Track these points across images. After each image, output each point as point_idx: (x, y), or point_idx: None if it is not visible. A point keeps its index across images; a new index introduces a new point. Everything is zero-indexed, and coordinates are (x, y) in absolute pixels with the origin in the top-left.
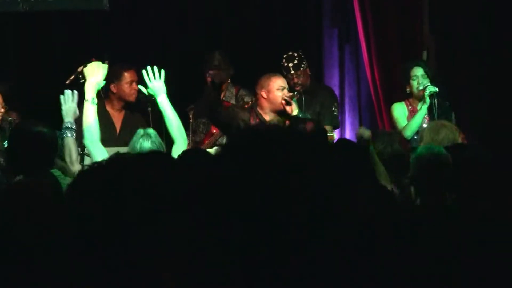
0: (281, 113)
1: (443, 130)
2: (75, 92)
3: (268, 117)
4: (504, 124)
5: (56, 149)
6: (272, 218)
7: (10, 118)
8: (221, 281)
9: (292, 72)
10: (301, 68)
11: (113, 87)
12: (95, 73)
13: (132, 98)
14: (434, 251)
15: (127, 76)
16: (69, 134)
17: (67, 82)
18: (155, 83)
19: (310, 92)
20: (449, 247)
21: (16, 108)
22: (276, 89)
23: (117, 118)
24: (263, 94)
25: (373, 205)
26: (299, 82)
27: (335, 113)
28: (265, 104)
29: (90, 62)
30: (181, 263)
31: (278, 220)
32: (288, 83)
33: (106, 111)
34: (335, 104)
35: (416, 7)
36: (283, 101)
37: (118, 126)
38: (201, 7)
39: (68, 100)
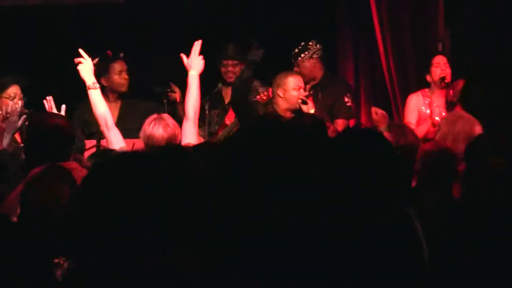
0: (297, 111)
1: (460, 121)
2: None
3: (282, 114)
4: None
5: (73, 142)
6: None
7: (26, 112)
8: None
9: (292, 61)
10: (299, 58)
11: (103, 81)
12: (84, 59)
13: (123, 88)
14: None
15: (116, 66)
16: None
17: None
18: (195, 58)
19: (321, 85)
20: (453, 244)
21: (32, 104)
22: (293, 88)
23: (113, 110)
24: (280, 92)
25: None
26: (301, 71)
27: (348, 104)
28: (281, 102)
29: (106, 55)
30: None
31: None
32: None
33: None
34: (348, 95)
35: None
36: (299, 101)
37: (114, 117)
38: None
39: (83, 58)
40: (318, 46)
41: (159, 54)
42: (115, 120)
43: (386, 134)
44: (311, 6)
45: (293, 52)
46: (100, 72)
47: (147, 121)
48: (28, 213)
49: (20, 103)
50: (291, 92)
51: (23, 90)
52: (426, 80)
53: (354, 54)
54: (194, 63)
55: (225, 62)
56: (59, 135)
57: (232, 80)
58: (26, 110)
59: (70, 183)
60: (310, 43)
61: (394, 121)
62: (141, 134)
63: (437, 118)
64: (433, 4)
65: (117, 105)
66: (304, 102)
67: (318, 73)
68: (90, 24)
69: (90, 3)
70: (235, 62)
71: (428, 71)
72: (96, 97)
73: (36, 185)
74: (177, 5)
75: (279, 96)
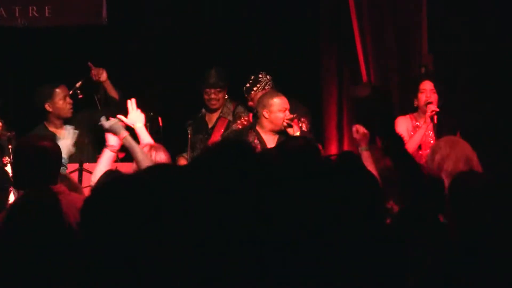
0: (282, 133)
1: (460, 144)
2: (76, 131)
3: (267, 136)
4: (502, 144)
5: (60, 165)
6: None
7: (9, 134)
8: None
9: (246, 95)
10: (252, 92)
11: (47, 106)
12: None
13: (68, 113)
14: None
15: (59, 91)
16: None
17: None
18: (134, 113)
19: None
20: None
21: (14, 124)
22: (278, 110)
23: (58, 133)
24: (265, 113)
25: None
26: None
27: (303, 129)
28: (266, 123)
29: (88, 77)
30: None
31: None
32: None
33: (50, 132)
34: (303, 119)
35: (414, 26)
36: (285, 123)
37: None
38: (198, 23)
39: (67, 136)
40: (268, 77)
41: (141, 77)
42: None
43: (366, 154)
44: (295, 28)
45: (244, 87)
46: (44, 98)
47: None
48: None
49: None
50: (276, 113)
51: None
52: (413, 104)
53: (338, 76)
54: (136, 118)
55: (207, 90)
56: (46, 157)
57: (215, 107)
58: (8, 133)
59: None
60: (260, 75)
61: (376, 144)
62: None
63: (432, 142)
64: (417, 30)
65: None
66: (289, 125)
67: None
68: (73, 45)
69: (72, 24)
70: (218, 89)
71: (415, 96)
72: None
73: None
74: (159, 27)
75: (264, 117)
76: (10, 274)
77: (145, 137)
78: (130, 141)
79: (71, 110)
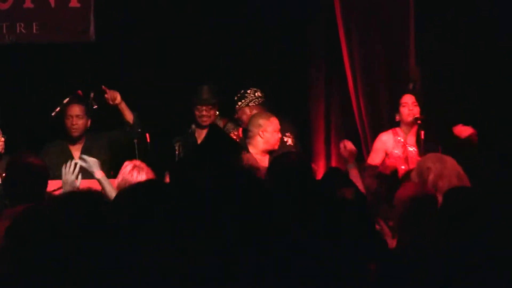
0: (271, 152)
1: (447, 159)
2: (78, 164)
3: (258, 155)
4: (492, 156)
5: (46, 182)
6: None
7: None
8: None
9: (236, 106)
10: (237, 106)
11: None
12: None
13: (73, 133)
14: None
15: (67, 110)
16: None
17: (52, 114)
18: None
19: None
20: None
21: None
22: (274, 130)
23: (75, 149)
24: (261, 133)
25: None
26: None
27: (288, 143)
28: (259, 143)
29: (76, 94)
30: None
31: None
32: None
33: (65, 145)
34: (287, 134)
35: (402, 40)
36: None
37: (76, 156)
38: (187, 40)
39: (68, 171)
40: (257, 94)
41: (129, 94)
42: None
43: (353, 171)
44: (283, 48)
45: (235, 98)
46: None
47: (126, 170)
48: None
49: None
50: (273, 133)
51: None
52: (395, 119)
53: (325, 91)
54: (92, 167)
55: (199, 106)
56: (32, 174)
57: (206, 123)
58: None
59: None
60: (248, 91)
61: (364, 161)
62: (122, 182)
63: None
64: (404, 45)
65: (79, 148)
66: None
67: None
68: (61, 63)
69: (59, 41)
70: (209, 106)
71: (397, 110)
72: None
73: None
74: (148, 43)
75: (260, 136)
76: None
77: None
78: (103, 182)
79: (77, 131)
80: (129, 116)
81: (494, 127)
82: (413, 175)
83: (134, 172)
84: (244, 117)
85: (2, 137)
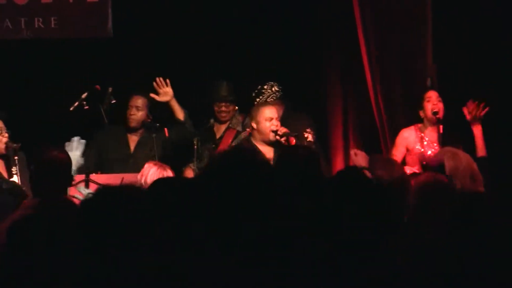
0: (274, 144)
1: (461, 155)
2: (82, 141)
3: (262, 147)
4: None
5: (69, 176)
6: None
7: (14, 145)
8: None
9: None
10: (255, 102)
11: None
12: None
13: (130, 123)
14: None
15: (129, 101)
16: None
17: (71, 109)
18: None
19: (281, 121)
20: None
21: (18, 136)
22: (265, 119)
23: (132, 140)
24: (253, 124)
25: None
26: None
27: (308, 139)
28: (256, 134)
29: (94, 89)
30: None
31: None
32: None
33: (124, 133)
34: (308, 130)
35: (419, 36)
36: (271, 133)
37: (132, 146)
38: (205, 35)
39: (71, 148)
40: (274, 88)
41: (147, 89)
42: (132, 150)
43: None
44: (299, 38)
45: (252, 94)
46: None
47: (149, 171)
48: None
49: (6, 135)
50: (263, 123)
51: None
52: (419, 115)
53: (342, 87)
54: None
55: (218, 102)
56: (57, 167)
57: (225, 119)
58: (14, 144)
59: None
60: (265, 87)
61: (379, 155)
62: (143, 181)
63: (429, 152)
64: (421, 41)
65: (136, 137)
66: (276, 133)
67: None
68: (79, 58)
69: (77, 36)
70: (228, 102)
71: (420, 106)
72: None
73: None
74: (164, 38)
75: (254, 128)
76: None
77: (178, 109)
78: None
79: (133, 121)
80: (180, 114)
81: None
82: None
83: (156, 173)
84: None
85: (6, 132)
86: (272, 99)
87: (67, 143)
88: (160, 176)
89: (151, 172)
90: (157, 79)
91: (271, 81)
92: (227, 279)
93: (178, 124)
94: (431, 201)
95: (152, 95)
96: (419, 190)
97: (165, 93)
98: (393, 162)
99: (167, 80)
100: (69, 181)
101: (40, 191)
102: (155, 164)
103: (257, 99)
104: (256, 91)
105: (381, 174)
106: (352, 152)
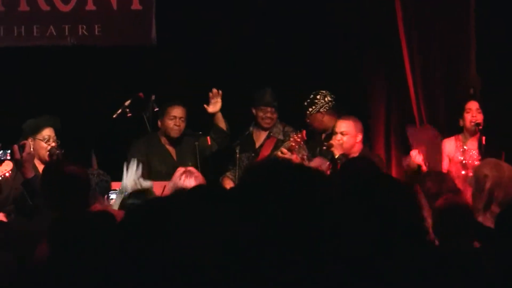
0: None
1: (504, 167)
2: (140, 165)
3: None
4: None
5: (88, 189)
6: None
7: (57, 151)
8: None
9: (306, 112)
10: (308, 111)
11: (159, 122)
12: None
13: (172, 133)
14: None
15: (170, 111)
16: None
17: (114, 117)
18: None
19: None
20: None
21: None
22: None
23: (172, 150)
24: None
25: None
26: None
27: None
28: None
29: (138, 97)
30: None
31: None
32: None
33: (161, 143)
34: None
35: (463, 46)
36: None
37: (174, 157)
38: (247, 42)
39: (130, 169)
40: (326, 98)
41: (189, 98)
42: (175, 160)
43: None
44: (341, 45)
45: (304, 104)
46: (160, 114)
47: (177, 174)
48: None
49: (54, 145)
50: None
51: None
52: (459, 125)
53: (386, 97)
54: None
55: (263, 108)
56: (73, 183)
57: (269, 126)
58: (57, 151)
59: None
60: (318, 97)
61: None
62: (171, 185)
63: (470, 162)
64: (465, 50)
65: (174, 148)
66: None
67: (328, 124)
68: (122, 65)
69: (120, 44)
70: (273, 109)
71: (461, 116)
72: None
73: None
74: (207, 46)
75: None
76: None
77: (222, 120)
78: None
79: (175, 132)
80: (223, 124)
81: None
82: (470, 181)
83: (182, 176)
84: (316, 123)
85: (55, 142)
86: (324, 110)
87: (125, 164)
88: (178, 180)
89: (174, 176)
90: (214, 89)
91: (319, 89)
92: None
93: (221, 133)
94: (448, 223)
95: (206, 106)
96: (437, 213)
97: (216, 103)
98: (445, 177)
99: (220, 92)
100: (84, 197)
101: (54, 207)
102: (182, 169)
103: (310, 109)
104: (309, 100)
105: (430, 186)
106: (412, 153)
